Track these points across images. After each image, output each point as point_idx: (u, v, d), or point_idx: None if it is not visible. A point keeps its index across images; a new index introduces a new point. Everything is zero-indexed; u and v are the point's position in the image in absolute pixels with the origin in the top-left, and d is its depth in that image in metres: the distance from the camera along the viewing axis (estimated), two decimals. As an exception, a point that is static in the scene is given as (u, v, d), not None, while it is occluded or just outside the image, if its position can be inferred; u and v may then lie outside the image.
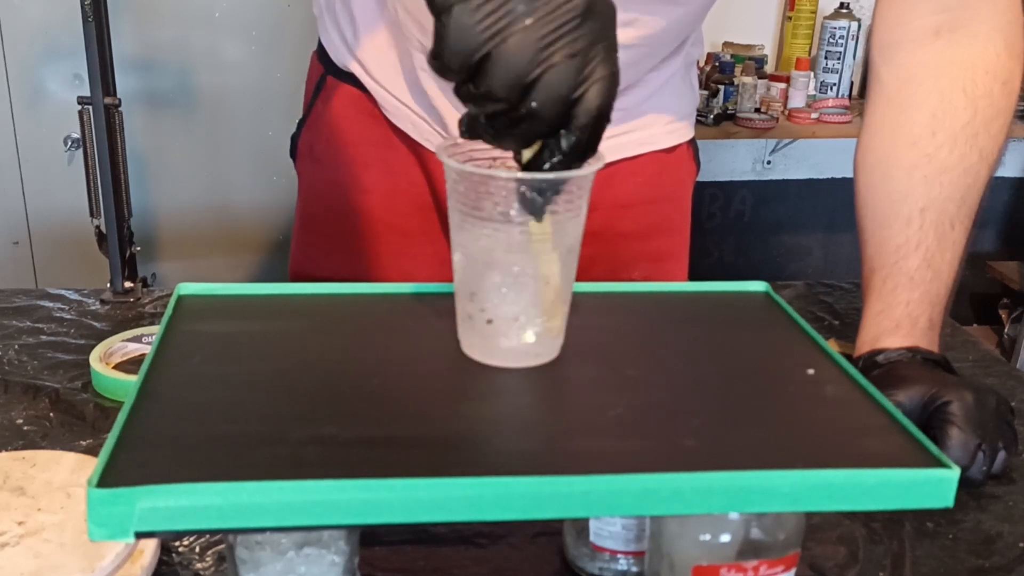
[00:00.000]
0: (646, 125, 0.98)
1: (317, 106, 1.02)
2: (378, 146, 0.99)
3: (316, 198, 1.04)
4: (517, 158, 0.52)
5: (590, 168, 0.53)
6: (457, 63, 0.48)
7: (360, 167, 1.01)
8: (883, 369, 0.74)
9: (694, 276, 1.09)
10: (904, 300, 0.77)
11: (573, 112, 0.49)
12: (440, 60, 0.48)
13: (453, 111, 0.91)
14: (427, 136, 0.96)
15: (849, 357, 0.79)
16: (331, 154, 1.01)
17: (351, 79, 0.98)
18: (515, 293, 0.55)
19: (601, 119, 0.50)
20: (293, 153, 1.07)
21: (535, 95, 0.48)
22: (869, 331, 0.78)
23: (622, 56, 0.50)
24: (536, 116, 0.48)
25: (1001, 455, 0.69)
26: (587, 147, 0.51)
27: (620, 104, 0.96)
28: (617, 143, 0.96)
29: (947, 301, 0.79)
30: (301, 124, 1.05)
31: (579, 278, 0.59)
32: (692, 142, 1.05)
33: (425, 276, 0.90)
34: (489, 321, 0.56)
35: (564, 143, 0.50)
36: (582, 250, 0.78)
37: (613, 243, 0.99)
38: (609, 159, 0.88)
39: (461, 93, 0.50)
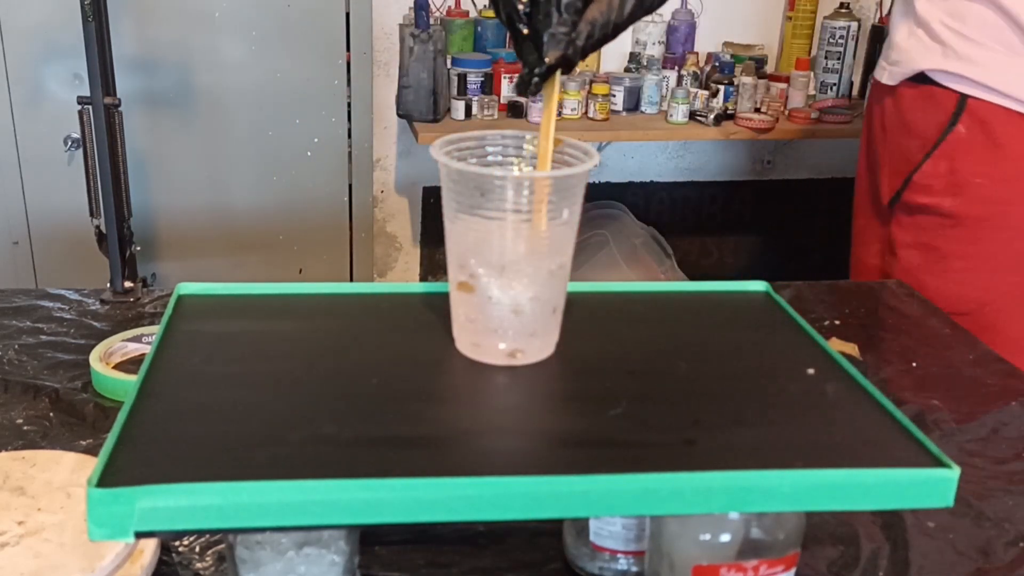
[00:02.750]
0: None
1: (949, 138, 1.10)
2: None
3: None
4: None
5: (560, 172, 0.53)
6: None
7: None
8: None
9: (694, 276, 1.09)
10: None
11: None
12: None
13: None
14: None
15: (848, 357, 0.79)
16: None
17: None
18: (504, 290, 0.55)
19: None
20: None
21: None
22: None
23: None
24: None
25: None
26: (568, 28, 0.53)
27: None
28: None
29: None
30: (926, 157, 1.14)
31: None
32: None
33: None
34: (481, 318, 0.56)
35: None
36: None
37: None
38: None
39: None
